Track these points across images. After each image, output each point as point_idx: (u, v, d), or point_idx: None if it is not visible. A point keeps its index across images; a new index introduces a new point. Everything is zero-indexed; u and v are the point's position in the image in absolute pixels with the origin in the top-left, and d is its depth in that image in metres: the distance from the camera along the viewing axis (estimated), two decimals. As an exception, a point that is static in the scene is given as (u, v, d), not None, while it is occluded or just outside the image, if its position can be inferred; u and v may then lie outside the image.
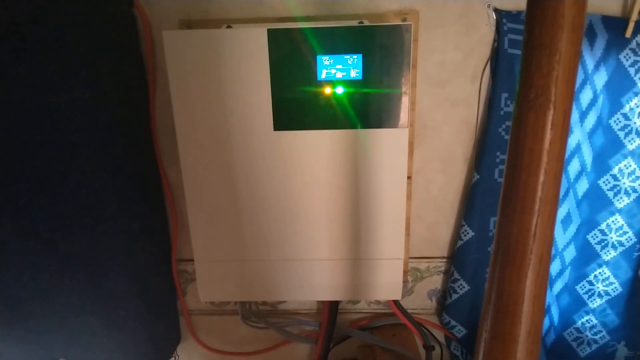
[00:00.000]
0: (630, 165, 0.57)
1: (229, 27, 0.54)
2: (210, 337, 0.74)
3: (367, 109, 0.51)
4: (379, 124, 0.52)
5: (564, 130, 0.21)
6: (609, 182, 0.58)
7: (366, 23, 0.52)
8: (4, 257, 0.55)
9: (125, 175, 0.57)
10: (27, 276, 0.57)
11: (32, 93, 0.49)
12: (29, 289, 0.57)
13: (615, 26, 0.53)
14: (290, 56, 0.50)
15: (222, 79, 0.51)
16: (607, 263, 0.61)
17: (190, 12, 0.57)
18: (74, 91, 0.50)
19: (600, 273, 0.62)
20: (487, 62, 0.57)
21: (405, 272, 0.67)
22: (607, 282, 0.62)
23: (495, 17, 0.55)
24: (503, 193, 0.24)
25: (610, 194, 0.58)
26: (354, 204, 0.55)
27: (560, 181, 0.23)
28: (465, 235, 0.62)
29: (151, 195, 0.64)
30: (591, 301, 0.64)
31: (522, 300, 0.24)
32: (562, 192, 0.60)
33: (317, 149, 0.53)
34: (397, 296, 0.60)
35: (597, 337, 0.66)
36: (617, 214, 0.59)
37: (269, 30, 0.49)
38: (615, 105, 0.55)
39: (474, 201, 0.61)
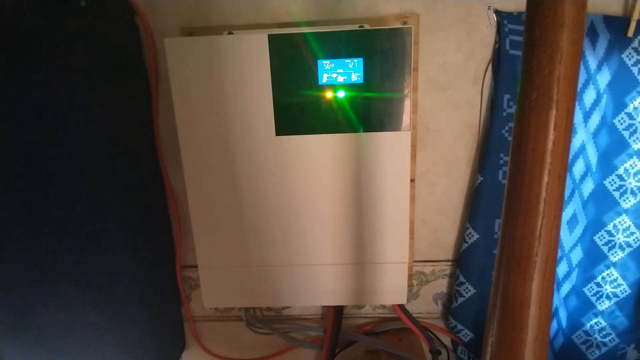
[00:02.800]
0: (636, 165, 0.56)
1: (230, 33, 0.54)
2: (215, 344, 0.74)
3: (369, 113, 0.51)
4: (381, 128, 0.51)
5: (568, 130, 0.21)
6: (615, 182, 0.57)
7: (367, 27, 0.52)
8: (12, 265, 0.56)
9: (129, 182, 0.58)
10: (34, 284, 0.57)
11: (34, 103, 0.49)
12: (36, 296, 0.58)
13: (617, 26, 0.53)
14: (291, 61, 0.50)
15: (224, 85, 0.51)
16: (614, 264, 0.61)
17: (192, 19, 0.58)
18: (77, 100, 0.51)
19: (608, 274, 0.61)
20: (488, 64, 0.57)
21: (410, 276, 0.66)
22: (615, 283, 0.62)
23: (496, 19, 0.55)
24: (507, 195, 0.24)
25: (616, 194, 0.58)
26: (357, 208, 0.55)
27: (565, 182, 0.22)
28: (470, 238, 0.62)
29: (155, 202, 0.64)
30: (599, 303, 0.63)
31: (528, 304, 0.24)
32: (567, 193, 0.60)
33: (320, 154, 0.53)
34: (402, 300, 0.60)
35: (606, 339, 0.64)
36: (624, 215, 0.58)
37: (269, 36, 0.49)
38: (619, 104, 0.55)
39: (478, 204, 0.60)
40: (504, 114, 0.57)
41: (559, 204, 0.22)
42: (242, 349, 0.74)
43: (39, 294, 0.57)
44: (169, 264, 0.67)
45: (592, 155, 0.57)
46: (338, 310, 0.65)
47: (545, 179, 0.21)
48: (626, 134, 0.56)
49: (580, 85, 0.56)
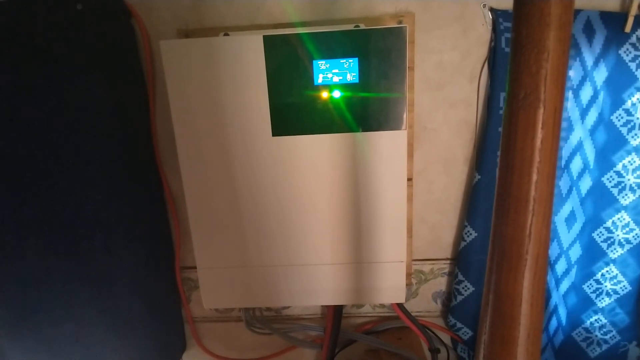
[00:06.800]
0: (634, 162, 0.56)
1: (226, 34, 0.54)
2: (215, 344, 0.74)
3: (365, 112, 0.51)
4: (377, 127, 0.51)
5: (556, 128, 0.21)
6: (613, 179, 0.57)
7: (362, 27, 0.52)
8: (13, 267, 0.56)
9: (128, 185, 0.58)
10: (35, 286, 0.57)
11: (31, 107, 0.50)
12: (37, 298, 0.58)
13: (614, 21, 0.53)
14: (287, 62, 0.50)
15: (220, 86, 0.51)
16: (614, 261, 0.60)
17: (188, 21, 0.58)
18: (74, 103, 0.51)
19: (607, 271, 0.61)
20: (484, 62, 0.57)
21: (409, 275, 0.67)
22: (615, 280, 0.61)
23: (491, 17, 0.55)
24: (497, 193, 0.24)
25: (614, 191, 0.57)
26: (355, 207, 0.55)
27: (554, 180, 0.22)
28: (468, 236, 0.62)
29: (154, 204, 0.64)
30: (599, 300, 0.63)
31: (519, 302, 0.24)
32: (565, 190, 0.60)
33: (316, 154, 0.53)
34: (401, 299, 0.60)
35: (607, 337, 0.64)
36: (623, 211, 0.58)
37: (264, 37, 0.49)
38: (616, 101, 0.55)
39: (476, 202, 0.60)
40: (501, 111, 0.57)
41: (549, 202, 0.22)
42: (242, 349, 0.74)
43: (41, 296, 0.58)
44: (168, 265, 0.67)
45: (590, 152, 0.57)
46: (337, 310, 0.65)
47: (534, 177, 0.21)
48: (624, 130, 0.55)
49: (576, 82, 0.56)
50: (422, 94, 0.59)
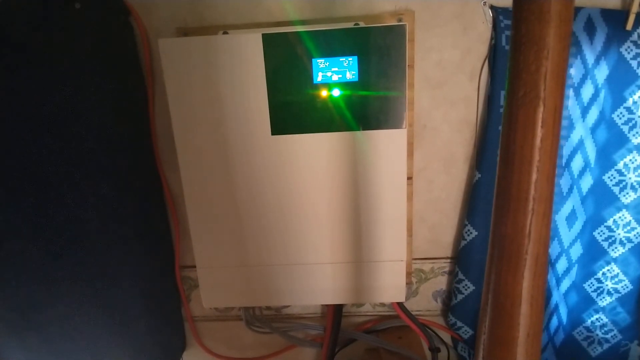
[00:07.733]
0: (635, 160, 0.56)
1: (225, 33, 0.54)
2: (215, 343, 0.74)
3: (365, 111, 0.51)
4: (377, 126, 0.51)
5: (556, 126, 0.21)
6: (614, 178, 0.57)
7: (362, 25, 0.51)
8: (16, 266, 0.56)
9: (127, 184, 0.58)
10: (35, 285, 0.57)
11: (31, 105, 0.50)
12: (37, 297, 0.58)
13: (615, 19, 0.53)
14: (286, 60, 0.50)
15: (219, 85, 0.51)
16: (615, 260, 0.60)
17: (187, 19, 0.58)
18: (74, 102, 0.51)
19: (608, 270, 0.61)
20: (485, 60, 0.57)
21: (409, 274, 0.66)
22: (616, 279, 0.61)
23: (492, 15, 0.55)
24: (496, 192, 0.24)
25: (615, 190, 0.57)
26: (355, 206, 0.55)
27: (554, 179, 0.22)
28: (468, 235, 0.62)
29: (153, 203, 0.64)
30: (600, 299, 0.62)
31: (519, 302, 0.23)
32: (565, 189, 0.60)
33: (316, 153, 0.53)
34: (401, 298, 0.60)
35: (608, 336, 0.64)
36: (624, 210, 0.58)
37: (263, 35, 0.49)
38: (617, 99, 0.54)
39: (476, 200, 0.60)
40: (501, 110, 0.56)
41: (549, 201, 0.22)
42: (242, 349, 0.74)
43: (41, 294, 0.58)
44: (168, 264, 0.67)
45: (591, 150, 0.57)
46: (337, 309, 0.65)
47: (534, 176, 0.21)
48: (625, 128, 0.55)
49: (577, 80, 0.55)
50: (422, 92, 0.59)
